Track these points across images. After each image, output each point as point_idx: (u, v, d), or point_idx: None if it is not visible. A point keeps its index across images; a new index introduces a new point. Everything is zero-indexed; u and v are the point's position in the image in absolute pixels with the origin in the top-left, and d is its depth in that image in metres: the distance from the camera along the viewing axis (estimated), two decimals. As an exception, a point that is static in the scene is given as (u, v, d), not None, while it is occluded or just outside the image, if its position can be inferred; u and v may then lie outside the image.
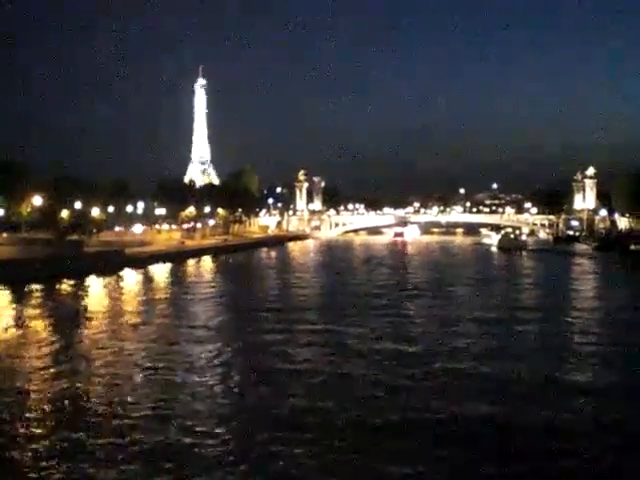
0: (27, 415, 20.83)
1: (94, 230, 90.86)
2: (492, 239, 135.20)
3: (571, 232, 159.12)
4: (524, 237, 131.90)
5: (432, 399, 22.50)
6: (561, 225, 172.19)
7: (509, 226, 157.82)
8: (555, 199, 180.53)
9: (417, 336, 33.90)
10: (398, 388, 23.92)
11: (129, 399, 22.57)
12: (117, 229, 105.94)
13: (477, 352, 30.01)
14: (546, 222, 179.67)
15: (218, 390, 24.16)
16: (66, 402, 22.27)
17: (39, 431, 19.29)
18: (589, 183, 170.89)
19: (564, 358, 29.27)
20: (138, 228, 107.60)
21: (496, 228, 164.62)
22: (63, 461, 17.10)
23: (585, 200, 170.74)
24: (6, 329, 36.91)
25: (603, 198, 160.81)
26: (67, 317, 40.92)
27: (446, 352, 30.01)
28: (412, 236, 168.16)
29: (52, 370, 26.71)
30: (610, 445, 18.48)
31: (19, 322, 39.15)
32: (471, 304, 46.69)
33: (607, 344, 32.68)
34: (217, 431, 19.50)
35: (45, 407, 21.76)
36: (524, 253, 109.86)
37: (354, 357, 29.03)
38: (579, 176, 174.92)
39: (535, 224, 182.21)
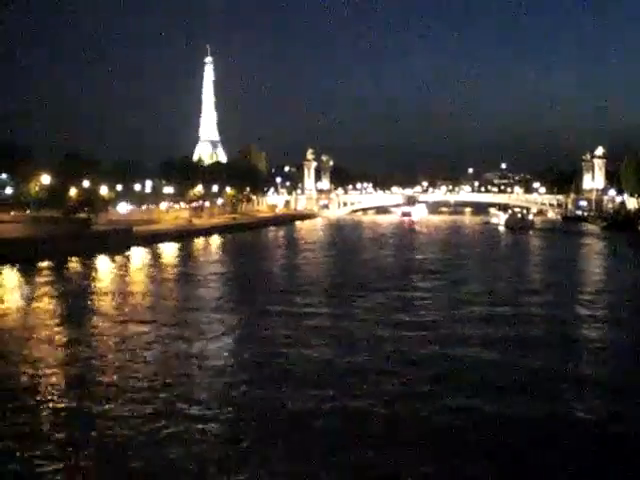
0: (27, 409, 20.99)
1: (102, 208, 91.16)
2: (500, 219, 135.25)
3: (580, 212, 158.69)
4: (531, 217, 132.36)
5: (430, 387, 22.58)
6: (570, 205, 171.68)
7: (518, 206, 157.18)
8: (564, 179, 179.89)
9: (421, 320, 33.64)
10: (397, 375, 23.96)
11: (130, 383, 22.57)
12: (125, 208, 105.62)
13: (482, 337, 29.77)
14: (555, 202, 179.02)
15: (212, 375, 24.13)
16: (68, 385, 22.50)
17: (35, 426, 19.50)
18: (598, 163, 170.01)
19: (572, 345, 29.03)
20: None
21: (504, 208, 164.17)
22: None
23: (594, 180, 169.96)
24: (14, 307, 37.41)
25: (612, 178, 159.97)
26: (75, 295, 41.38)
27: (449, 337, 29.85)
28: (420, 215, 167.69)
29: (56, 349, 26.99)
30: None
31: (27, 300, 39.63)
32: (476, 285, 46.57)
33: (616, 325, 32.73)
34: (216, 418, 19.54)
35: (43, 392, 21.91)
36: (531, 232, 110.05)
37: (358, 342, 28.93)
38: (588, 156, 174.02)
39: (544, 204, 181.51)
